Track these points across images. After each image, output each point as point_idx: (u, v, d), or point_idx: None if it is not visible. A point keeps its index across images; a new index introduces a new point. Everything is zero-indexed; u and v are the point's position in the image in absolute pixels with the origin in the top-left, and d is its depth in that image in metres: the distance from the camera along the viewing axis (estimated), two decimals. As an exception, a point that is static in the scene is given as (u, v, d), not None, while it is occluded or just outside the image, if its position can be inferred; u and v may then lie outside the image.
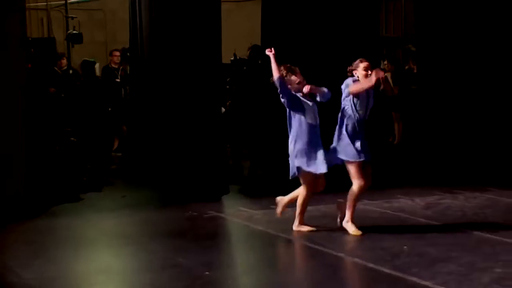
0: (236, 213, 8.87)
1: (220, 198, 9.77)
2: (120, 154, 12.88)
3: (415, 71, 14.20)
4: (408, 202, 9.33)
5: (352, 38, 11.02)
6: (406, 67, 15.21)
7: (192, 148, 10.01)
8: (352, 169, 7.44)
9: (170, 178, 10.19)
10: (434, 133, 12.27)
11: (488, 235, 7.36)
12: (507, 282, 5.87)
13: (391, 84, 14.89)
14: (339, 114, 7.53)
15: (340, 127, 7.51)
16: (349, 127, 7.44)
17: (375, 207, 9.08)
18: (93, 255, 7.21)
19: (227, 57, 11.71)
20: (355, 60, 7.65)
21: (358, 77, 7.49)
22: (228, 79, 11.63)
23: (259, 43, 11.27)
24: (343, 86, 7.51)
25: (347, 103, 7.45)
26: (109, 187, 10.50)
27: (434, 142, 12.21)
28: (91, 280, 6.37)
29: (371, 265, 6.52)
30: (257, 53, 11.06)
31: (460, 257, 6.62)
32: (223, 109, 11.65)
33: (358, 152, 7.38)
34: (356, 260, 6.70)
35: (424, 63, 12.67)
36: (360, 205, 9.03)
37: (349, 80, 7.51)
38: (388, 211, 8.82)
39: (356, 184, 7.46)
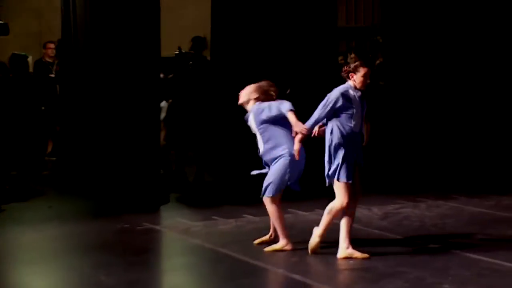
0: (173, 225, 8.99)
1: (159, 208, 9.90)
2: (54, 158, 12.94)
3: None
4: (365, 211, 9.51)
5: (308, 29, 11.20)
6: (377, 62, 15.37)
7: (128, 152, 10.09)
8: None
9: (105, 186, 10.28)
10: (403, 135, 12.50)
11: (443, 248, 7.57)
12: (453, 299, 6.11)
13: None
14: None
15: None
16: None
17: (310, 215, 9.30)
18: (8, 272, 7.27)
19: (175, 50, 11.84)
20: (353, 61, 7.69)
21: (355, 81, 7.38)
22: (171, 75, 11.73)
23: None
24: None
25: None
26: (37, 197, 10.60)
27: (403, 144, 12.44)
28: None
29: (311, 281, 6.68)
30: (199, 45, 11.22)
31: (409, 272, 6.80)
32: (166, 104, 11.77)
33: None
34: (296, 276, 6.83)
35: (391, 56, 12.85)
36: (313, 216, 9.31)
37: (336, 93, 7.31)
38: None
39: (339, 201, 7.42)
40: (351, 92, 7.36)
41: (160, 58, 10.39)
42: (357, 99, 7.39)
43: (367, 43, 15.60)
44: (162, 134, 12.56)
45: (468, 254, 7.31)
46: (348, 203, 7.33)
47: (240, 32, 11.19)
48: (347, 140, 7.33)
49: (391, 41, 12.73)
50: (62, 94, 12.32)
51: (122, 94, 10.06)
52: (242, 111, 10.56)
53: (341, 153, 7.32)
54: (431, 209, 9.64)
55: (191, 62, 11.50)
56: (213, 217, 9.28)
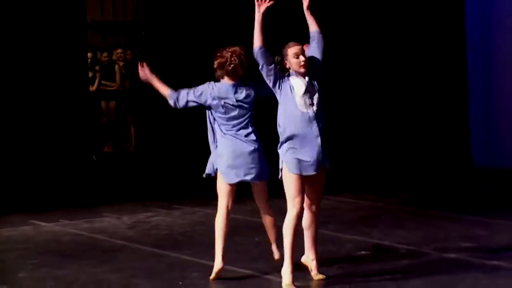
0: None
1: None
2: None
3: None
4: (113, 221, 9.55)
5: (56, 23, 11.16)
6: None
7: None
8: None
9: None
10: (168, 137, 12.71)
11: (180, 259, 7.68)
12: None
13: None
14: None
15: None
16: None
17: (72, 228, 9.31)
18: None
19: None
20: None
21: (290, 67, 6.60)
22: None
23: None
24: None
25: None
26: None
27: (168, 147, 12.65)
28: None
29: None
30: None
31: (142, 284, 6.86)
32: None
33: None
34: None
35: (154, 51, 12.93)
36: (53, 227, 9.38)
37: None
38: (84, 233, 8.96)
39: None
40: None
41: None
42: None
43: (133, 38, 15.72)
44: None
45: (205, 262, 7.39)
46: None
47: None
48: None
49: (154, 36, 12.84)
50: None
51: None
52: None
53: None
54: (185, 216, 9.82)
55: None
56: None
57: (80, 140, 11.52)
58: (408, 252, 7.82)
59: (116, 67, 15.27)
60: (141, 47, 14.93)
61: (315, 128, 6.47)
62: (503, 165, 12.85)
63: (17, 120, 11.03)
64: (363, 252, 7.85)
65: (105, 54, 15.17)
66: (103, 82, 15.00)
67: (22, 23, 11.02)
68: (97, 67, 14.89)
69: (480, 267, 7.19)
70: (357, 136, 13.12)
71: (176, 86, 6.82)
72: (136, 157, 14.31)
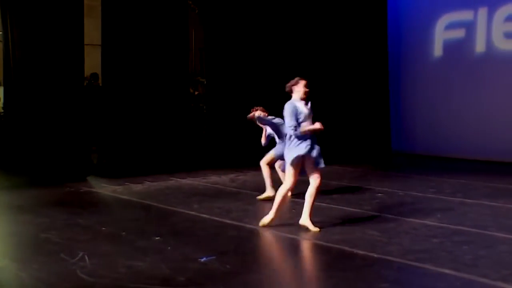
0: (102, 188, 8.62)
1: (85, 178, 9.39)
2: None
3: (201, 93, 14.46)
4: (217, 178, 9.55)
5: (165, 75, 10.92)
6: (196, 93, 15.33)
7: (61, 144, 9.57)
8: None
9: (49, 164, 9.50)
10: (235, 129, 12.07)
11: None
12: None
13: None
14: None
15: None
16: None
17: (198, 181, 9.27)
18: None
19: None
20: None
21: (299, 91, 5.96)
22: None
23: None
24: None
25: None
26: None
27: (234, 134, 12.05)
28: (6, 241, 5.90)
29: (215, 218, 6.63)
30: (95, 78, 11.11)
31: (268, 206, 6.75)
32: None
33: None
34: (203, 215, 6.75)
35: (210, 89, 12.69)
36: (187, 181, 9.23)
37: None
38: (208, 184, 9.00)
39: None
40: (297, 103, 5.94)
41: (83, 86, 10.04)
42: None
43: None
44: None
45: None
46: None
47: (123, 69, 10.77)
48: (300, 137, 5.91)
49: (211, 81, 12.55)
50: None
51: (59, 109, 9.54)
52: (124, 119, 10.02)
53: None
54: (255, 176, 9.79)
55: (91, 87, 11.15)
56: (126, 183, 8.97)
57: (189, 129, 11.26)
58: (393, 192, 8.05)
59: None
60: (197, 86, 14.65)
61: None
62: (415, 150, 12.05)
63: (159, 117, 10.73)
64: (379, 194, 7.89)
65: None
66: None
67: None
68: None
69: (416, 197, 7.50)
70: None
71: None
72: (208, 139, 13.61)
